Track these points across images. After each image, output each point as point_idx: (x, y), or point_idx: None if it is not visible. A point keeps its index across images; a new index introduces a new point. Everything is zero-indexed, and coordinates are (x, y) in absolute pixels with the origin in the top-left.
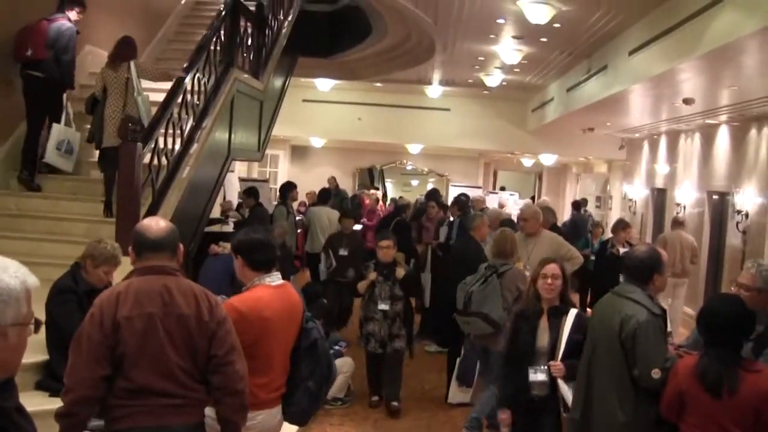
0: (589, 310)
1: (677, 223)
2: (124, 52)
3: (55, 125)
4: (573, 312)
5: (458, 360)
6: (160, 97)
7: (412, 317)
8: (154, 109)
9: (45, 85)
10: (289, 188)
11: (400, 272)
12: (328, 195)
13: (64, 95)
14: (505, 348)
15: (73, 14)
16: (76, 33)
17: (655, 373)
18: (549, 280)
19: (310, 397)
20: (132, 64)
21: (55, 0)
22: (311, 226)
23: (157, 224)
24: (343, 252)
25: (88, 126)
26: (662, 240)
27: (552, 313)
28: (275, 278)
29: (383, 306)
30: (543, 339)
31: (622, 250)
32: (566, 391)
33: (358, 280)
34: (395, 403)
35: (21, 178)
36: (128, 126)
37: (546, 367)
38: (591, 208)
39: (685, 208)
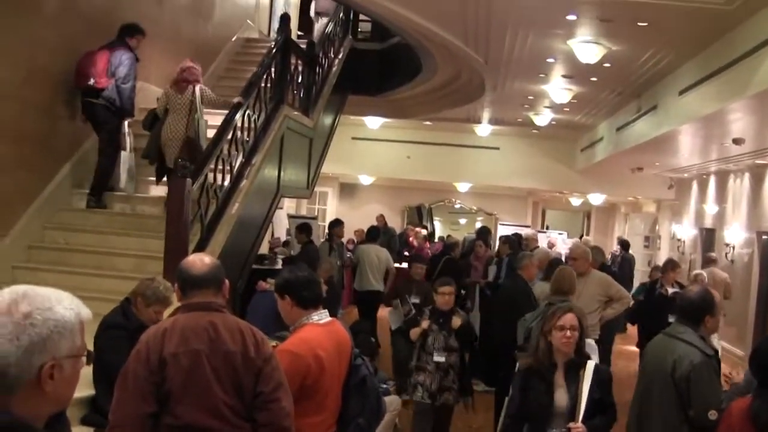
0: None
1: (710, 261)
2: (189, 75)
3: (123, 153)
4: (591, 365)
5: (506, 399)
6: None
7: (469, 369)
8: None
9: (104, 112)
10: (333, 225)
11: (457, 322)
12: (376, 233)
13: (125, 122)
14: (510, 405)
15: (133, 42)
16: (136, 60)
17: (713, 415)
18: (567, 332)
19: None
20: (197, 88)
21: (113, 27)
22: (360, 263)
23: (201, 261)
24: (414, 300)
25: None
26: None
27: (568, 368)
28: (323, 315)
29: (438, 358)
30: (561, 398)
31: (670, 291)
32: None
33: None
34: None
35: (89, 205)
36: (181, 159)
37: (566, 430)
38: (639, 248)
39: (734, 248)
